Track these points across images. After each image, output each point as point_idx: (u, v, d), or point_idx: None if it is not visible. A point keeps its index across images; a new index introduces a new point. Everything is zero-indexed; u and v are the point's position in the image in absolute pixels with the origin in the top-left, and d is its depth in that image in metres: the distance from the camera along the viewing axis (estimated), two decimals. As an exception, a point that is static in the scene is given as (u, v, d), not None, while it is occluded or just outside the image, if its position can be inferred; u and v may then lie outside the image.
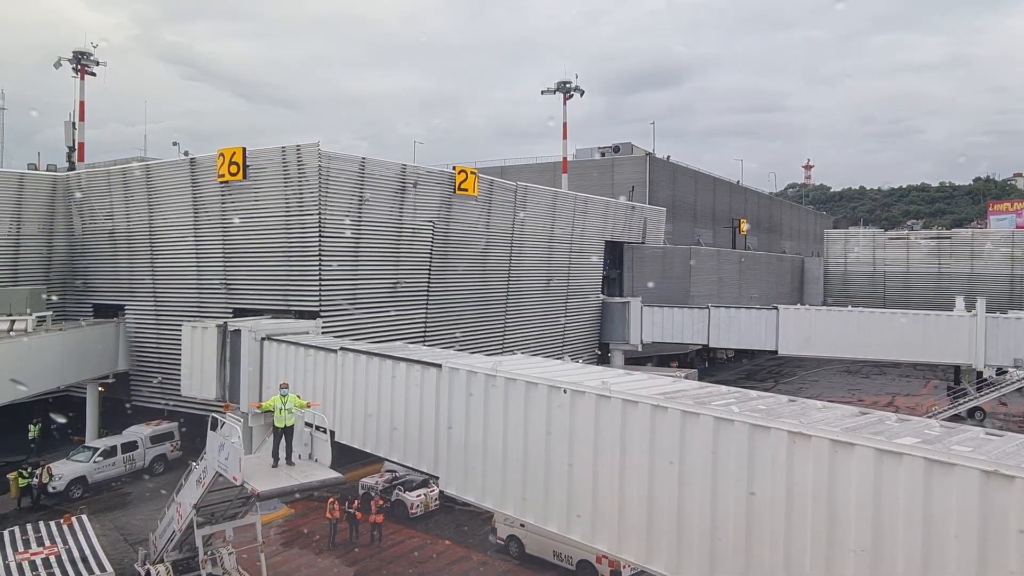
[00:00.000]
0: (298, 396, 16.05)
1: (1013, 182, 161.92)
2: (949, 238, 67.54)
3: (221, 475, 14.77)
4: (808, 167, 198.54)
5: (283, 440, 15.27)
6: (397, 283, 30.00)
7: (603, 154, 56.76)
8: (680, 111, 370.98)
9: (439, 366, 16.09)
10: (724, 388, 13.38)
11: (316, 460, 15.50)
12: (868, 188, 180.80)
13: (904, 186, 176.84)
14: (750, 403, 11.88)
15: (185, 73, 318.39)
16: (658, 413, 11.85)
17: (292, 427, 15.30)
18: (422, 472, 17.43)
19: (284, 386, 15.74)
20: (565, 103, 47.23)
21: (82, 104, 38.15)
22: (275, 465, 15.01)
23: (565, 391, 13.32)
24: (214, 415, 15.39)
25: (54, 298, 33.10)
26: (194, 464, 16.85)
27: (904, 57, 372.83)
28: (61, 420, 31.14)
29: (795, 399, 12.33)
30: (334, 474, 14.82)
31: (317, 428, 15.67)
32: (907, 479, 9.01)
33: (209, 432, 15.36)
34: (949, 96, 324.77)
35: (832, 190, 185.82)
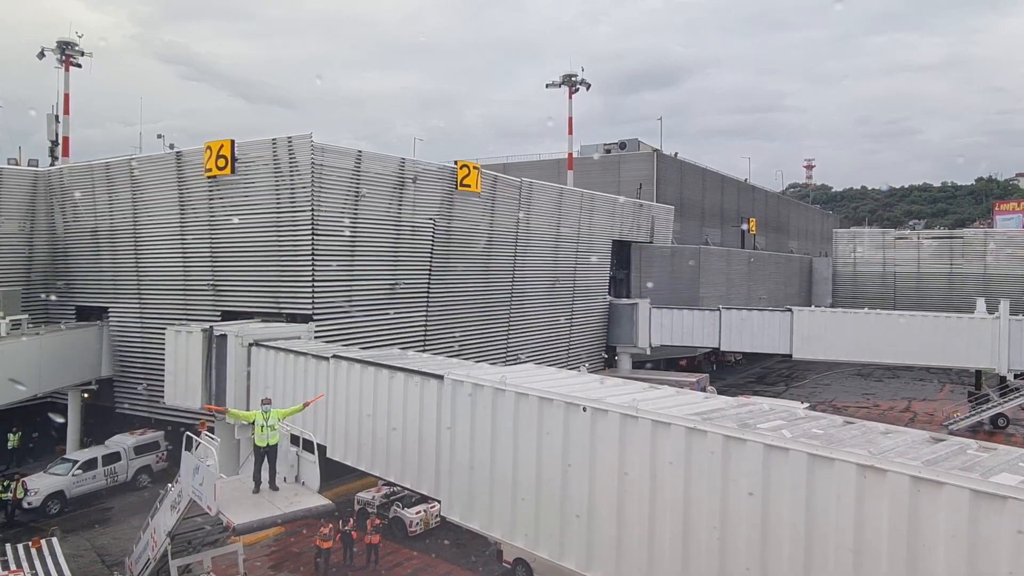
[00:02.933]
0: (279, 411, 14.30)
1: (1016, 182, 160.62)
2: (961, 238, 65.86)
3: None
4: (809, 166, 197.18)
5: (266, 461, 13.63)
6: (395, 285, 28.34)
7: (608, 151, 55.08)
8: (678, 111, 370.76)
9: (441, 377, 14.51)
10: (765, 405, 11.84)
11: (303, 483, 13.85)
12: (869, 188, 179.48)
13: (906, 186, 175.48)
14: (801, 425, 10.27)
15: (183, 73, 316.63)
16: (695, 437, 10.25)
17: (276, 446, 13.65)
18: (422, 494, 15.83)
19: (266, 401, 14.07)
20: (571, 97, 45.66)
21: (67, 97, 36.47)
22: (256, 490, 13.36)
23: (585, 409, 11.72)
24: (188, 433, 13.76)
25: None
26: (170, 485, 15.24)
27: (903, 57, 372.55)
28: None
29: (851, 420, 10.73)
30: (323, 501, 13.17)
31: (304, 448, 14.02)
32: (1012, 528, 7.40)
33: (184, 452, 13.75)
34: (948, 96, 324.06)
35: (833, 190, 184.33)
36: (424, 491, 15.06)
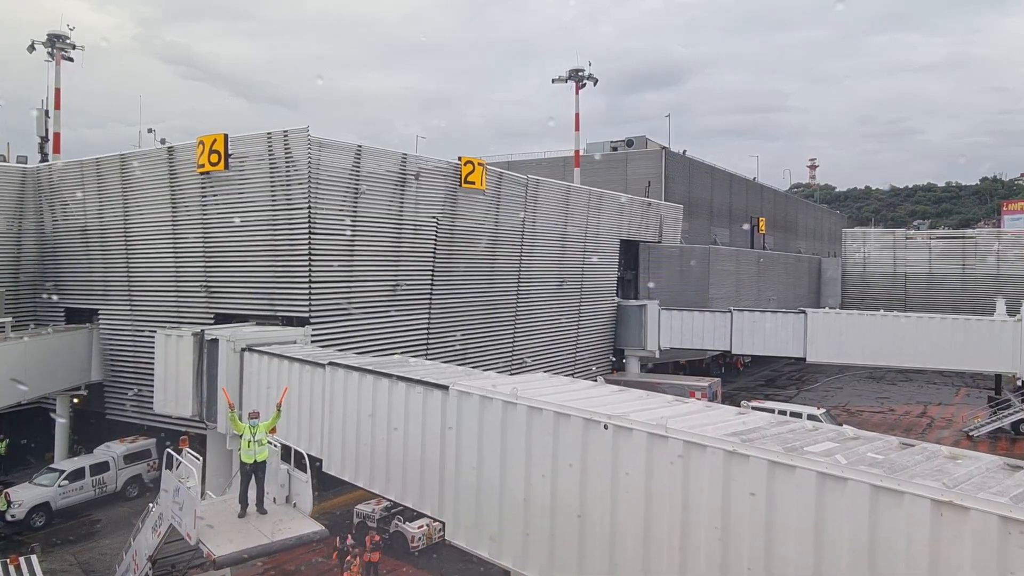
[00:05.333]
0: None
1: (1021, 182, 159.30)
2: (973, 238, 64.55)
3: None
4: (813, 166, 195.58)
5: (252, 480, 12.44)
6: (396, 286, 27.15)
7: (615, 148, 53.84)
8: (679, 111, 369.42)
9: (445, 388, 13.31)
10: (808, 422, 10.65)
11: (295, 505, 12.67)
12: (873, 188, 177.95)
13: (910, 186, 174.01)
14: (854, 448, 9.07)
15: (184, 73, 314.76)
16: (735, 462, 9.03)
17: (264, 463, 12.47)
18: (425, 515, 14.65)
19: (254, 415, 12.89)
20: (577, 92, 44.43)
21: (57, 91, 35.30)
22: (243, 514, 12.18)
23: (606, 426, 10.52)
24: (169, 451, 12.58)
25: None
26: (151, 505, 14.06)
27: (904, 57, 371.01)
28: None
29: (908, 441, 9.53)
30: (316, 526, 12.00)
31: (296, 465, 12.84)
32: None
33: (164, 471, 12.57)
34: (949, 96, 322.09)
35: (837, 190, 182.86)
36: (427, 511, 13.88)
